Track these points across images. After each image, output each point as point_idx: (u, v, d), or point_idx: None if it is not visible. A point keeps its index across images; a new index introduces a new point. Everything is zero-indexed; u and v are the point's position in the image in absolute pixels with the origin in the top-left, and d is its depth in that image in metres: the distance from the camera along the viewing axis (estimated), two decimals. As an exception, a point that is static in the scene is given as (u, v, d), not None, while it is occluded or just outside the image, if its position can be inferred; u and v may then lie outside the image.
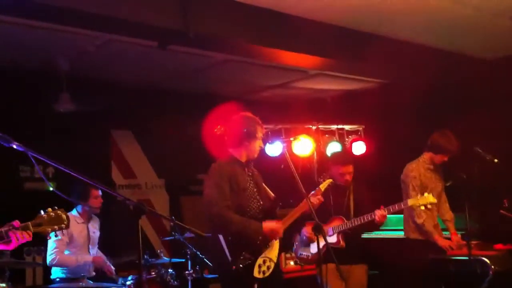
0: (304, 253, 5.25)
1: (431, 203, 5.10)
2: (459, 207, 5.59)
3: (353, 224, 5.06)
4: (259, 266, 4.30)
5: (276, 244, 4.45)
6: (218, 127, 5.19)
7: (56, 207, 3.26)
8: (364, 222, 5.03)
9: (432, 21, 5.88)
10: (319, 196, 4.70)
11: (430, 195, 5.07)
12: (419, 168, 5.71)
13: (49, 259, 5.56)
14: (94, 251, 5.92)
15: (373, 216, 4.99)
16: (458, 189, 5.53)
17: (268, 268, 4.35)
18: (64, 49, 6.07)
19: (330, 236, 5.09)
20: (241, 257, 4.22)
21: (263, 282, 4.31)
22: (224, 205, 4.25)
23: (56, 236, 5.52)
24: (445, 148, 5.66)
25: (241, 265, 4.20)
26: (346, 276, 4.97)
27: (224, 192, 4.28)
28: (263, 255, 4.35)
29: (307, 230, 5.14)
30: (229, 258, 4.18)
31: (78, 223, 5.70)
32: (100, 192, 5.76)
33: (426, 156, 5.78)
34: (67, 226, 3.27)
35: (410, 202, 5.12)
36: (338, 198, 5.27)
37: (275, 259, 4.44)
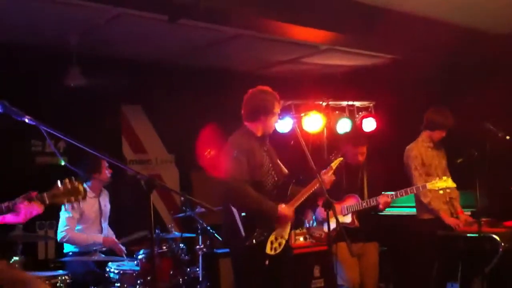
0: (317, 232, 5.25)
1: (449, 188, 5.11)
2: (469, 184, 5.58)
3: (367, 205, 5.08)
4: (271, 243, 4.34)
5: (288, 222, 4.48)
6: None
7: (73, 177, 3.26)
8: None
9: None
10: (331, 174, 4.68)
11: (449, 179, 5.10)
12: (418, 148, 5.72)
13: (59, 236, 5.62)
14: (106, 225, 5.98)
15: (377, 201, 5.03)
16: (469, 166, 5.50)
17: (280, 245, 4.39)
18: (73, 24, 6.03)
19: (344, 215, 5.11)
20: (255, 233, 4.25)
21: (274, 258, 4.35)
22: (242, 179, 4.24)
23: (67, 211, 5.58)
24: (440, 123, 5.67)
25: (254, 241, 4.22)
26: (359, 253, 5.03)
27: (242, 166, 4.27)
28: (275, 232, 4.38)
29: (322, 210, 5.12)
30: (243, 233, 4.21)
31: (89, 197, 5.74)
32: (107, 164, 5.81)
33: (424, 135, 5.78)
34: (84, 198, 3.27)
35: (429, 185, 5.13)
36: (351, 176, 5.28)
37: (286, 237, 4.47)
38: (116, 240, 5.87)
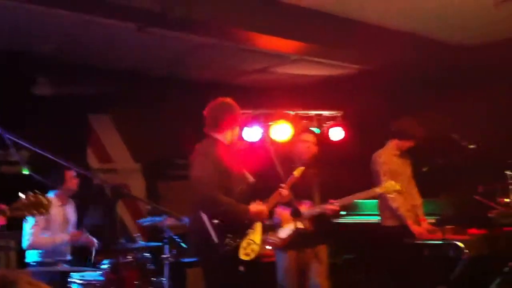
0: (272, 238, 5.23)
1: (396, 191, 5.20)
2: (434, 192, 5.67)
3: (319, 211, 5.13)
4: (244, 249, 4.36)
5: (259, 227, 4.51)
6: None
7: (37, 191, 3.20)
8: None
9: (413, 8, 5.89)
10: (285, 191, 4.70)
11: (397, 184, 5.21)
12: (386, 154, 5.81)
13: (26, 243, 5.52)
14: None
15: (325, 208, 5.10)
16: (434, 175, 5.60)
17: (253, 250, 4.41)
18: (42, 31, 5.96)
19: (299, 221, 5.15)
20: (227, 240, 4.27)
21: (248, 264, 4.37)
22: (213, 186, 4.28)
23: (33, 220, 5.48)
24: (410, 134, 5.77)
25: (227, 247, 4.24)
26: (311, 257, 5.10)
27: (212, 173, 4.32)
28: (247, 238, 4.41)
29: (279, 213, 5.15)
30: (216, 240, 4.21)
31: (56, 206, 5.65)
32: (74, 173, 5.73)
33: (392, 143, 5.88)
34: (47, 212, 3.22)
35: (378, 189, 5.23)
36: (305, 182, 5.31)
37: (258, 242, 4.49)
38: (86, 233, 5.75)
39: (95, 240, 5.72)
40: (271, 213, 4.87)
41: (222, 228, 4.27)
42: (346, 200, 5.21)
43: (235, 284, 4.35)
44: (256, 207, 4.43)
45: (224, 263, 4.30)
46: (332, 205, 5.16)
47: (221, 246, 4.23)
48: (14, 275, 1.48)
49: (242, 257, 4.33)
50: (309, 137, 5.42)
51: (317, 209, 5.16)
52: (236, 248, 4.32)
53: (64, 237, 5.64)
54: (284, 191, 4.69)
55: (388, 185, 5.26)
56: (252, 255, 4.39)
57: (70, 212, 5.89)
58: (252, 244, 4.42)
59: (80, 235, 5.70)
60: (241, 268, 4.33)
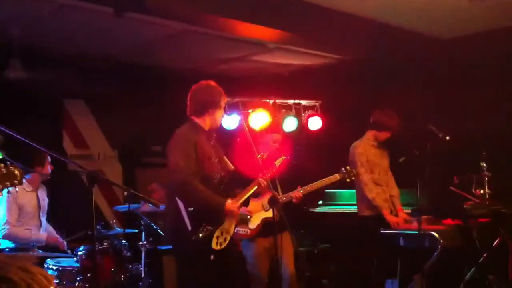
0: (242, 229, 5.22)
1: (354, 176, 5.38)
2: (410, 183, 5.72)
3: (285, 199, 5.16)
4: (217, 238, 4.33)
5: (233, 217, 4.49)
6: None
7: (8, 163, 3.11)
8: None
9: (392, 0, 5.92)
10: (264, 181, 4.67)
11: (351, 169, 5.37)
12: (363, 145, 5.88)
13: (0, 233, 5.43)
14: (44, 219, 5.82)
15: (291, 196, 5.15)
16: (410, 165, 5.64)
17: (225, 239, 4.39)
18: (15, 15, 5.83)
19: (267, 210, 5.16)
20: (201, 228, 4.22)
21: (219, 253, 4.34)
22: (190, 173, 4.21)
23: (4, 204, 5.41)
24: (388, 125, 5.85)
25: (200, 235, 4.19)
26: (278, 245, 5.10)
27: (190, 159, 4.25)
28: (221, 227, 4.37)
29: (245, 208, 5.14)
30: (189, 228, 4.16)
31: (27, 191, 5.57)
32: (49, 159, 5.66)
33: (369, 134, 5.94)
34: (20, 183, 3.11)
35: (338, 176, 5.34)
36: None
37: (231, 232, 4.48)
38: (57, 236, 5.74)
39: (65, 243, 5.72)
40: (246, 203, 4.86)
41: (197, 216, 4.22)
42: (310, 187, 5.24)
43: (206, 273, 4.31)
44: (230, 205, 4.35)
45: (196, 250, 4.25)
46: (297, 192, 5.19)
47: (195, 234, 4.18)
48: (5, 260, 1.44)
49: (214, 246, 4.30)
50: (278, 137, 5.39)
51: (283, 198, 5.17)
52: (209, 237, 4.28)
53: (40, 236, 5.60)
54: (263, 181, 4.66)
55: (348, 171, 5.35)
56: (224, 245, 4.37)
57: (43, 197, 5.82)
58: (225, 233, 4.41)
59: (56, 241, 5.68)
60: (212, 258, 4.30)
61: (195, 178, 4.24)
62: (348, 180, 5.43)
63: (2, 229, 5.42)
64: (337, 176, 5.38)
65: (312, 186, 5.27)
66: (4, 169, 3.02)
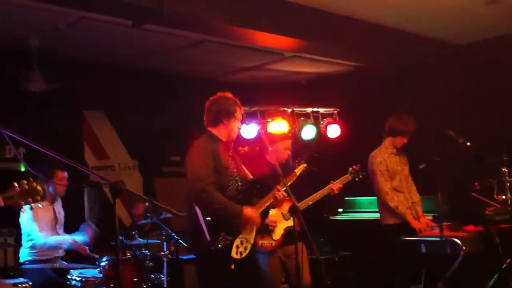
0: (266, 242, 5.13)
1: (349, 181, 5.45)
2: (431, 190, 5.68)
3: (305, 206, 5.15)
4: (237, 247, 4.34)
5: (253, 226, 4.49)
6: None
7: (31, 179, 3.11)
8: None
9: (407, 5, 5.92)
10: (281, 192, 4.66)
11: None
12: (382, 154, 5.84)
13: (41, 241, 5.48)
14: (62, 231, 5.86)
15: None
16: (430, 172, 5.60)
17: (245, 249, 4.40)
18: (35, 26, 5.92)
19: (287, 220, 5.13)
20: (220, 237, 4.23)
21: (240, 262, 4.35)
22: (209, 181, 4.25)
23: (32, 220, 5.47)
24: (402, 130, 5.83)
25: (219, 245, 4.20)
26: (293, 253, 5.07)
27: (209, 168, 4.28)
28: (241, 236, 4.38)
29: (270, 219, 5.08)
30: (208, 237, 4.18)
31: (43, 206, 5.57)
32: (65, 174, 5.68)
33: (387, 141, 5.92)
34: (43, 198, 3.13)
35: (350, 176, 5.46)
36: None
37: (252, 241, 4.48)
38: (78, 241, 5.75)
39: (87, 248, 5.73)
40: (266, 212, 4.84)
41: (216, 225, 4.23)
42: (309, 199, 5.22)
43: (226, 282, 4.31)
44: (249, 212, 4.37)
45: (215, 260, 4.26)
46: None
47: (213, 243, 4.20)
48: None
49: (234, 255, 4.30)
50: (288, 143, 5.38)
51: (302, 204, 5.16)
52: (229, 246, 4.29)
53: (65, 236, 5.65)
54: (281, 192, 4.64)
55: (356, 170, 5.49)
56: (244, 254, 4.38)
57: (59, 210, 5.86)
58: (246, 242, 4.41)
59: (85, 252, 5.69)
60: (233, 266, 4.30)
61: (213, 186, 4.26)
62: (356, 179, 5.48)
63: (41, 237, 5.47)
64: (348, 177, 5.44)
65: (322, 191, 5.29)
66: (26, 185, 3.02)
